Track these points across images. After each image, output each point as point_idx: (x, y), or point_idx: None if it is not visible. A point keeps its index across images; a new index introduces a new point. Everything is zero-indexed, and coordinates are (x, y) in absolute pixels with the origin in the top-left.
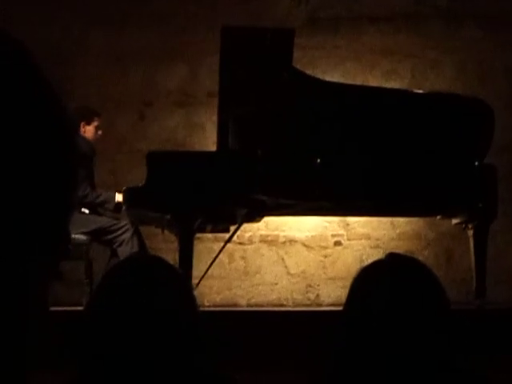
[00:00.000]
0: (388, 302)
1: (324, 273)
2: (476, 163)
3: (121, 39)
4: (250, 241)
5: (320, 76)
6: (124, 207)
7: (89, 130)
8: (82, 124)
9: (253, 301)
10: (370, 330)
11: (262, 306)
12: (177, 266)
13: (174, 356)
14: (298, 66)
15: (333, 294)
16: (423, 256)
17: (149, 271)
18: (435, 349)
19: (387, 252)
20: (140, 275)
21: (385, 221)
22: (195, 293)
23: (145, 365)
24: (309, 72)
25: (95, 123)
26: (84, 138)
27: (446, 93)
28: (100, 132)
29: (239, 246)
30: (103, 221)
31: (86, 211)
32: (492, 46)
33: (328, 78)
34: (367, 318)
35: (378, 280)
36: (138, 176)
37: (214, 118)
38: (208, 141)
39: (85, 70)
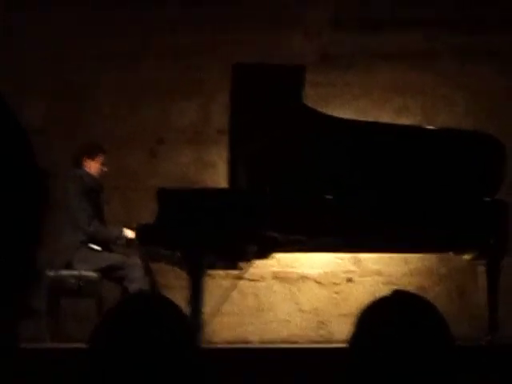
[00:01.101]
0: (392, 339)
1: (336, 310)
2: (487, 199)
3: (133, 75)
4: (262, 277)
5: (332, 113)
6: (134, 244)
7: (93, 166)
8: (85, 158)
9: (265, 338)
10: (375, 366)
11: (274, 343)
12: (188, 302)
13: None
14: (310, 103)
15: (345, 330)
16: (435, 292)
17: (149, 310)
18: None
19: (393, 289)
20: (140, 314)
21: (397, 257)
22: (207, 329)
23: None
24: (320, 109)
25: (100, 159)
26: (88, 174)
27: (457, 129)
28: (105, 168)
29: (251, 283)
30: (114, 258)
31: (97, 248)
32: (503, 83)
33: (340, 115)
34: (371, 355)
35: (382, 317)
36: (151, 213)
37: (226, 155)
38: (219, 178)
39: (98, 107)
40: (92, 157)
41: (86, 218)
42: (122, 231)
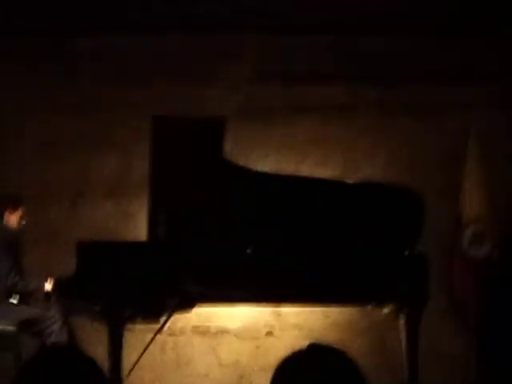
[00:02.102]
0: None
1: (256, 363)
2: (406, 252)
3: (54, 127)
4: (182, 332)
5: (252, 165)
6: (53, 297)
7: (12, 220)
8: (6, 213)
9: None
10: None
11: None
12: (107, 356)
13: None
14: (231, 157)
15: None
16: (357, 344)
17: (66, 365)
18: None
19: (309, 342)
20: (56, 368)
21: (317, 311)
22: None
23: None
24: (241, 161)
25: (19, 212)
26: (7, 227)
27: (376, 182)
28: (24, 221)
29: (170, 337)
30: (32, 312)
31: (15, 302)
32: (424, 135)
33: (260, 168)
34: None
35: (298, 370)
36: (70, 265)
37: (146, 207)
38: (140, 230)
39: (19, 158)
40: (12, 210)
41: (4, 272)
42: (40, 284)
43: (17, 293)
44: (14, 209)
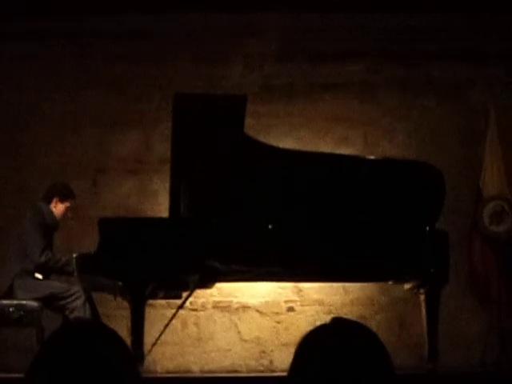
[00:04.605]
0: (332, 367)
1: (277, 339)
2: (427, 228)
3: (75, 106)
4: (203, 307)
5: (273, 142)
6: (75, 273)
7: (59, 208)
8: (56, 199)
9: (206, 367)
10: None
11: (215, 372)
12: (130, 332)
13: None
14: (252, 133)
15: (286, 360)
16: (376, 321)
17: (89, 339)
18: None
19: (333, 316)
20: (79, 343)
21: (338, 286)
22: (148, 359)
23: None
24: (262, 138)
25: (68, 204)
26: (51, 213)
27: (397, 158)
28: (70, 214)
29: (192, 313)
30: (55, 287)
31: (40, 277)
32: (445, 114)
33: (281, 145)
34: (313, 381)
35: (322, 344)
36: (91, 242)
37: (167, 184)
38: (161, 207)
39: (41, 136)
40: (62, 199)
41: (38, 249)
42: (67, 260)
43: (48, 268)
44: (65, 199)
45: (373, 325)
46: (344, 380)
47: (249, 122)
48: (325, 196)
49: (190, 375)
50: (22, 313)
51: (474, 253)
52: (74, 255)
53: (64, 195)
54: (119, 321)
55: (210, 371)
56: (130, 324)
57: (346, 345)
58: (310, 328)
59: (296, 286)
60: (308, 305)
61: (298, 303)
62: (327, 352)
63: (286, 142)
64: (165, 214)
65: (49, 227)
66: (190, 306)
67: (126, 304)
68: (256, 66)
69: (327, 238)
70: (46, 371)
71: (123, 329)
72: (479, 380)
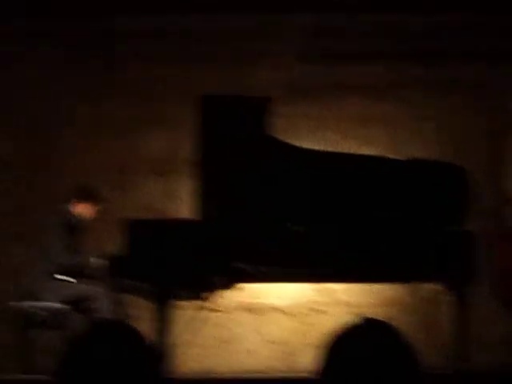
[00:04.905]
0: (362, 365)
1: (303, 340)
2: (453, 229)
3: (100, 109)
4: (229, 308)
5: (298, 144)
6: (101, 275)
7: (79, 209)
8: (74, 200)
9: (231, 369)
10: None
11: (240, 373)
12: (155, 333)
13: None
14: (278, 134)
15: (312, 361)
16: (403, 322)
17: (115, 340)
18: None
19: (362, 316)
20: (103, 343)
21: (364, 287)
22: (173, 360)
23: None
24: (288, 140)
25: (87, 205)
26: (70, 213)
27: (422, 159)
28: (88, 216)
29: (218, 314)
30: (82, 289)
31: (66, 278)
32: (471, 113)
33: (307, 146)
34: (342, 381)
35: (353, 343)
36: (117, 244)
37: (192, 186)
38: (186, 209)
39: (65, 140)
40: (79, 200)
41: (54, 250)
42: (94, 261)
43: (66, 269)
44: (80, 200)
45: (400, 325)
46: (373, 379)
47: (274, 123)
48: (351, 197)
49: (214, 376)
50: (47, 315)
51: (500, 254)
52: (92, 259)
53: (81, 196)
54: (146, 322)
55: (235, 372)
56: (154, 325)
57: (375, 344)
58: (336, 329)
59: (323, 287)
60: (335, 305)
61: (325, 304)
62: (358, 350)
63: (312, 143)
64: (190, 215)
65: (68, 228)
66: (215, 308)
67: (150, 305)
68: (282, 67)
69: (354, 238)
70: (73, 372)
71: (148, 330)
72: (505, 381)
